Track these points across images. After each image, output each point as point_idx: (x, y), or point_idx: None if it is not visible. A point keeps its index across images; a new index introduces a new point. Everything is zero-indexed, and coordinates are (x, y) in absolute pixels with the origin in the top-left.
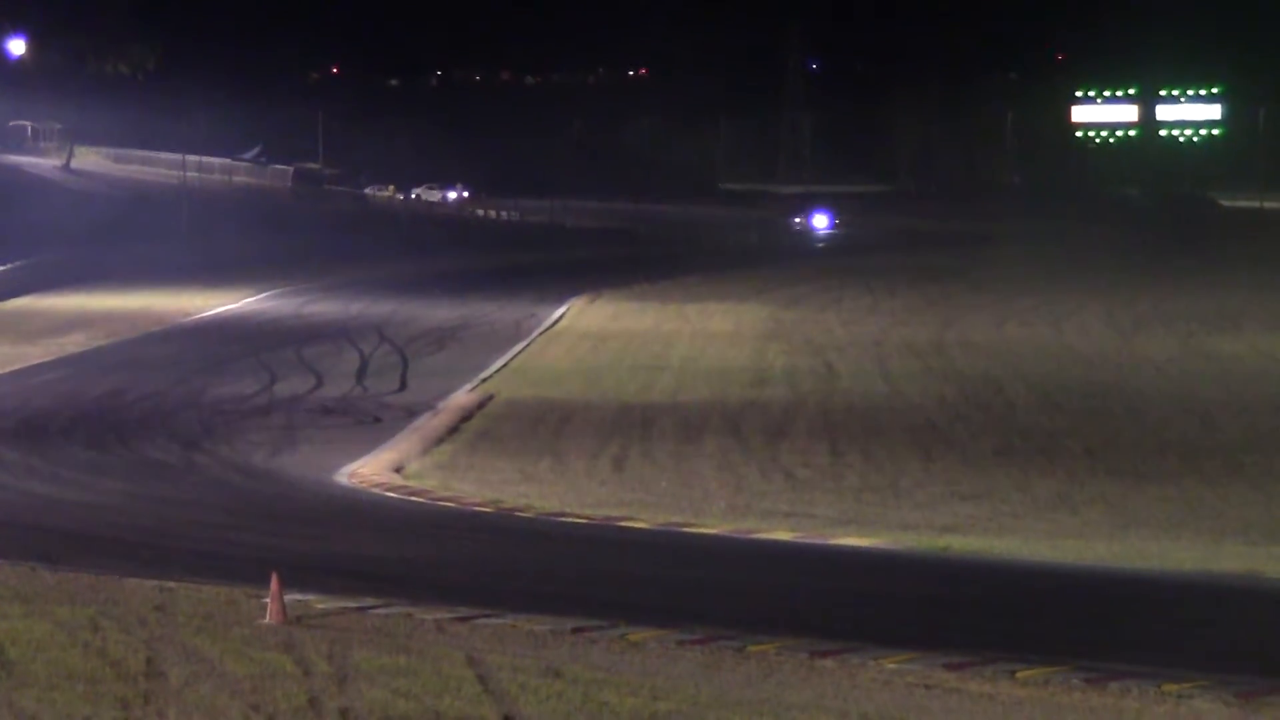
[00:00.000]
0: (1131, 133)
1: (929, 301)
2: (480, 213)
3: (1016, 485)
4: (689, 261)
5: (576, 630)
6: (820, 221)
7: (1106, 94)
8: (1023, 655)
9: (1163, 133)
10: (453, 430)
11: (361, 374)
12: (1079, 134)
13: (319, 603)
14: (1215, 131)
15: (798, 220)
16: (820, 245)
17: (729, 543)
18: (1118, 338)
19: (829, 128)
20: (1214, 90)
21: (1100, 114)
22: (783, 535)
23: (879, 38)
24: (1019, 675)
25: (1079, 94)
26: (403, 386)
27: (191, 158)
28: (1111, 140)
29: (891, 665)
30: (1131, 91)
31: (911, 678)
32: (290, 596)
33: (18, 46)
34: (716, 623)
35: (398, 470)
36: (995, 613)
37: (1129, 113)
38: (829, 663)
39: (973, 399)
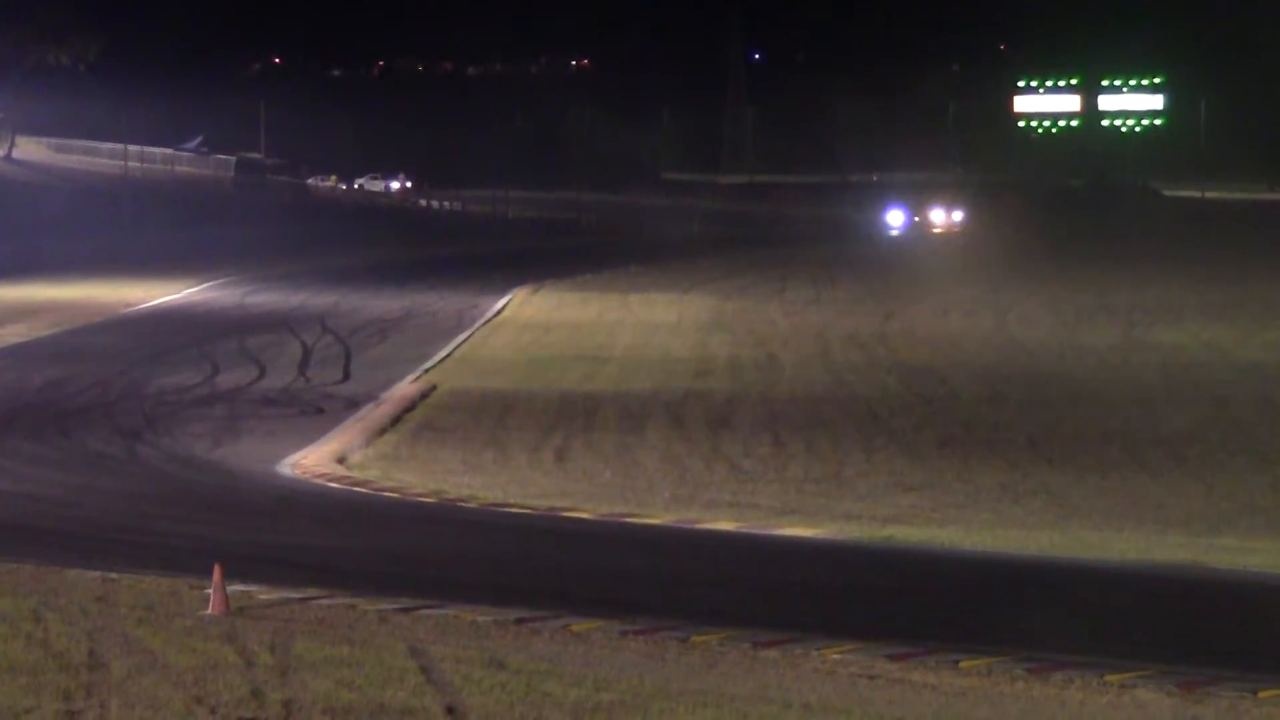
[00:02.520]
0: (1074, 123)
1: (871, 292)
2: (423, 203)
3: (959, 475)
4: (631, 252)
5: (520, 621)
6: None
7: (1049, 84)
8: (966, 645)
9: (1105, 123)
10: (396, 421)
11: (304, 365)
12: (1021, 124)
13: (262, 594)
14: (1158, 122)
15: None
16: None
17: (672, 533)
18: (1060, 328)
19: (771, 118)
20: (1156, 80)
21: (1042, 104)
22: (726, 525)
23: (821, 29)
24: (962, 665)
25: (1021, 84)
26: (346, 377)
27: (133, 148)
28: (1054, 130)
29: (835, 655)
30: (1074, 81)
31: (855, 668)
32: (233, 587)
33: None
34: (660, 613)
35: (341, 461)
36: (938, 603)
37: (1071, 103)
38: (772, 653)
39: (916, 389)
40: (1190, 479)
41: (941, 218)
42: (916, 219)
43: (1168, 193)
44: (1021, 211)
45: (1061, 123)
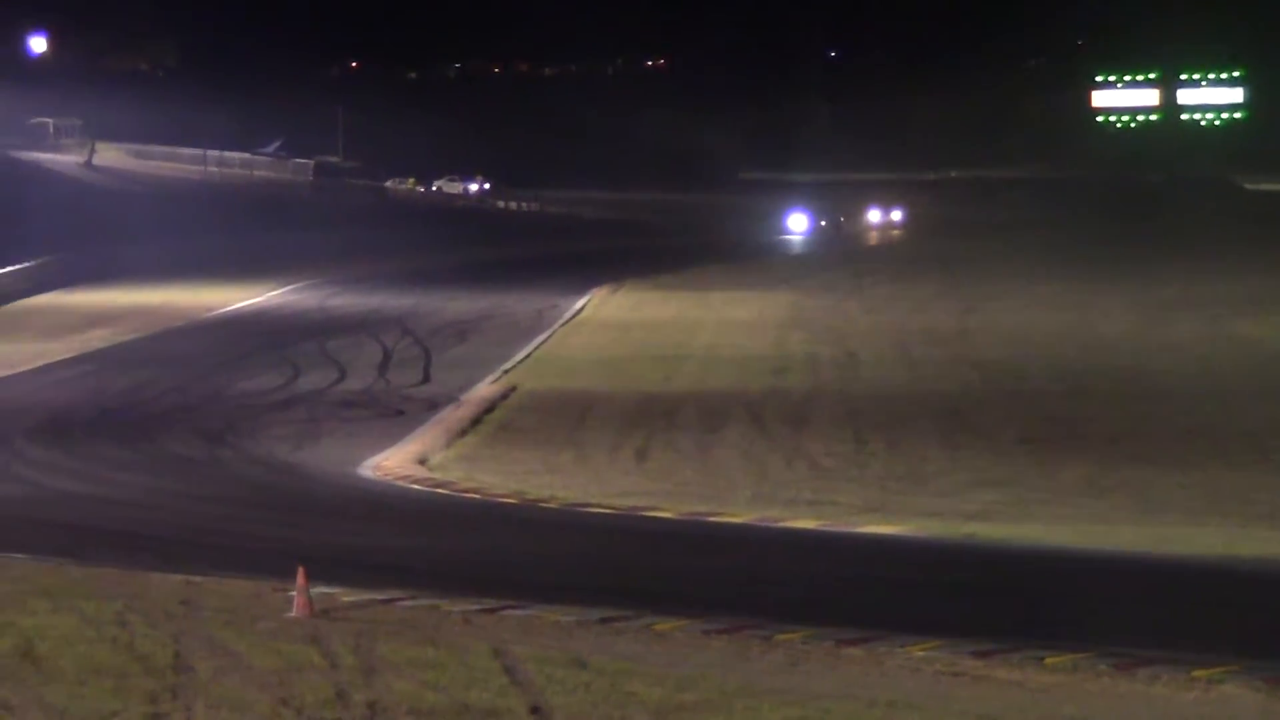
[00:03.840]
0: (1153, 117)
1: (951, 288)
2: (500, 204)
3: (1041, 471)
4: (708, 251)
5: (603, 620)
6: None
7: (1127, 79)
8: (1050, 641)
9: (1184, 116)
10: (476, 422)
11: (384, 367)
12: (1100, 119)
13: (345, 595)
14: (1237, 115)
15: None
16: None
17: (754, 531)
18: (1142, 322)
19: (848, 116)
20: (1236, 74)
21: (1121, 98)
22: (807, 523)
23: (898, 25)
24: (1047, 661)
25: (1099, 79)
26: (425, 379)
27: (212, 152)
28: (1133, 125)
29: (918, 653)
30: (1153, 76)
31: (939, 665)
32: (316, 589)
33: (39, 44)
34: (742, 612)
35: (421, 462)
36: (1021, 599)
37: (1150, 97)
38: (855, 651)
39: (996, 385)
40: (1274, 473)
41: (878, 217)
42: (823, 222)
43: (1248, 186)
44: (1098, 206)
45: (1140, 117)
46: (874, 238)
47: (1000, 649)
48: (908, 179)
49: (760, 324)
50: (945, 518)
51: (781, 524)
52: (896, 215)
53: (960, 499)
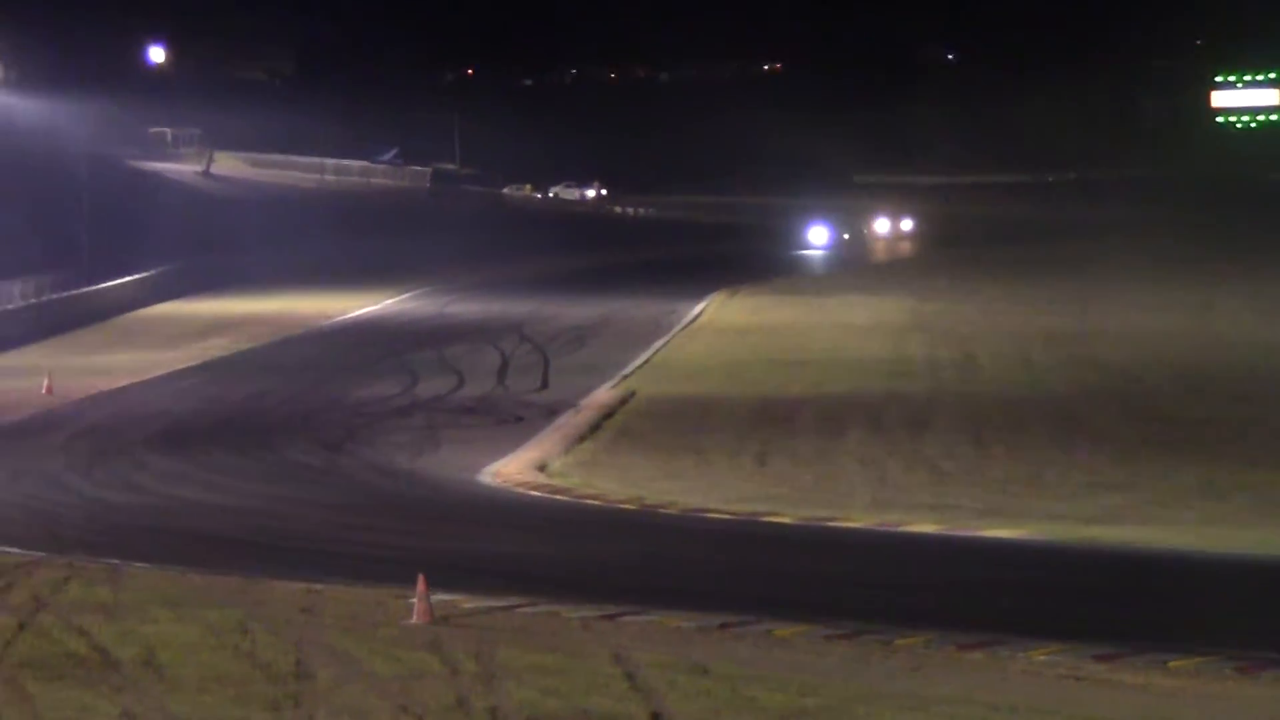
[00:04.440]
0: (1273, 117)
1: (1069, 290)
2: (617, 210)
3: (1161, 474)
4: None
5: (723, 626)
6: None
7: (1247, 78)
8: (1173, 645)
9: None
10: (595, 428)
11: (503, 373)
12: (1219, 119)
13: (465, 602)
14: None
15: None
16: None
17: (874, 536)
18: (1261, 324)
19: (962, 118)
20: None
21: (1241, 98)
22: (927, 528)
23: (1015, 27)
24: (1170, 665)
25: (1219, 79)
26: (544, 385)
27: (329, 160)
28: (1253, 125)
29: (1040, 657)
30: (1273, 75)
31: (1061, 669)
32: (436, 596)
33: (157, 54)
34: (863, 617)
35: (541, 469)
36: (1143, 603)
37: (1270, 97)
38: (977, 655)
39: (1116, 388)
40: None
41: (886, 227)
42: (846, 235)
43: None
44: (1216, 207)
45: (1261, 117)
46: (881, 249)
47: (1123, 653)
48: (1021, 181)
49: (878, 328)
50: (1066, 521)
51: (901, 528)
52: (906, 225)
53: (1081, 502)
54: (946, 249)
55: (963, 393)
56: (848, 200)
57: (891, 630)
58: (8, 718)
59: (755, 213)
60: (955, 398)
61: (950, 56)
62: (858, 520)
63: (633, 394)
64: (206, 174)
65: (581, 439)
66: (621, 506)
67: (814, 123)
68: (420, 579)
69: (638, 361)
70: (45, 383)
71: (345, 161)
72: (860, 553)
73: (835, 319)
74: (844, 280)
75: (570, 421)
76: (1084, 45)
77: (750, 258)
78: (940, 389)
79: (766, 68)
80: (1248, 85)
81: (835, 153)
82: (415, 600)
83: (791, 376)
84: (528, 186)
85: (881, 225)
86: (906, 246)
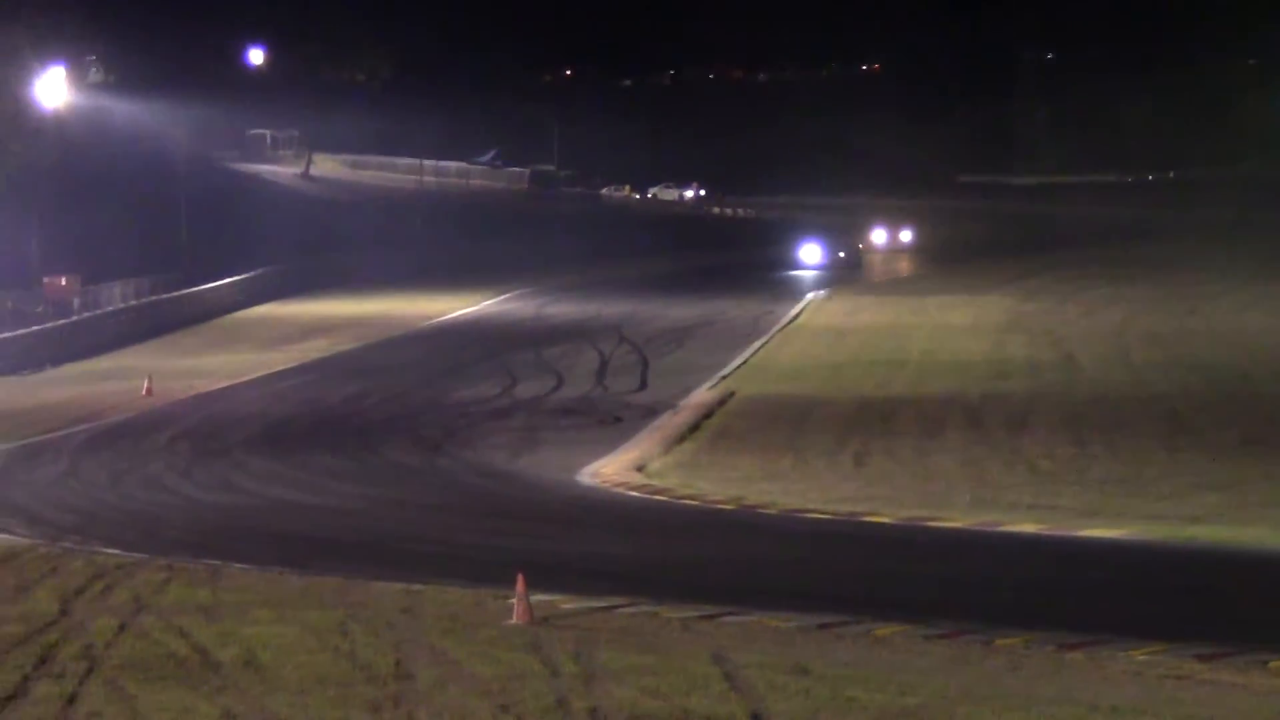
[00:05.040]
0: None
1: (1170, 290)
2: (716, 210)
3: (1264, 474)
4: (924, 255)
5: (822, 626)
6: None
7: None
8: (1274, 645)
9: None
10: (693, 428)
11: (601, 374)
12: None
13: (564, 602)
14: None
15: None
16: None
17: (973, 536)
18: None
19: (1064, 117)
20: None
21: None
22: (1027, 528)
23: (1115, 25)
24: (1271, 665)
25: None
26: (643, 385)
27: (428, 162)
28: None
29: (1141, 657)
30: None
31: (1162, 669)
32: (536, 597)
33: (257, 56)
34: (962, 617)
35: (639, 469)
36: (1245, 603)
37: None
38: (1077, 655)
39: (1218, 388)
40: None
41: (883, 239)
42: (841, 253)
43: None
44: None
45: None
46: (878, 263)
47: (1224, 652)
48: (1121, 180)
49: (977, 328)
50: (1167, 521)
51: (1001, 528)
52: (906, 236)
53: (1182, 502)
54: (1044, 250)
55: (1062, 393)
56: (942, 200)
57: (991, 630)
58: (109, 717)
59: (854, 213)
60: (1055, 398)
61: (1050, 56)
62: (957, 520)
63: (731, 394)
64: (305, 176)
65: (680, 439)
66: (720, 507)
67: (913, 123)
68: (520, 579)
69: (736, 362)
70: (145, 384)
71: (444, 163)
72: (959, 553)
73: (934, 320)
74: (943, 281)
75: (669, 422)
76: (1185, 43)
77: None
78: (1040, 389)
79: (865, 68)
80: None
81: (935, 154)
82: (515, 601)
83: (890, 377)
84: (626, 187)
85: (879, 237)
86: (905, 263)
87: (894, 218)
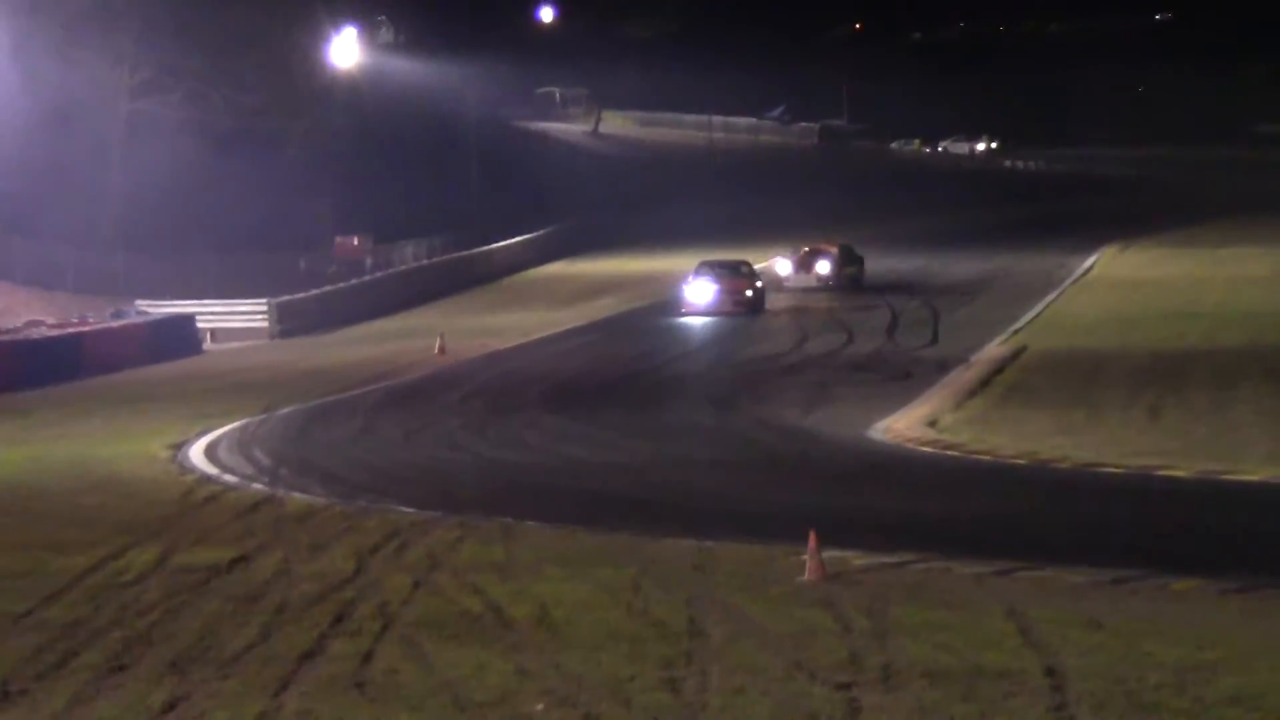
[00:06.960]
0: None
1: None
2: (1007, 164)
3: None
4: (1219, 208)
5: (1116, 581)
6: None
7: None
8: None
9: None
10: (985, 383)
11: (893, 329)
12: None
13: (856, 559)
14: None
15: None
16: None
17: (1270, 489)
18: None
19: None
20: None
21: None
22: None
23: None
24: None
25: None
26: (934, 340)
27: (717, 118)
28: None
29: None
30: None
31: None
32: (828, 553)
33: (546, 13)
34: (1260, 570)
35: (931, 424)
36: None
37: None
38: None
39: None
40: None
41: (788, 270)
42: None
43: None
44: None
45: None
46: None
47: None
48: None
49: (1276, 279)
50: None
51: None
52: (823, 268)
53: None
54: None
55: None
56: (1237, 151)
57: None
58: (405, 674)
59: (1149, 165)
60: None
61: None
62: (1254, 473)
63: (1024, 349)
64: (595, 133)
65: (972, 394)
66: (1013, 462)
67: (1207, 73)
68: (812, 536)
69: (1028, 316)
70: (438, 343)
71: (733, 119)
72: (1256, 506)
73: (1230, 272)
74: (1235, 233)
75: (960, 377)
76: None
77: (1144, 210)
78: None
79: (1158, 17)
80: None
81: (1235, 103)
82: (807, 557)
83: (1184, 329)
84: (916, 141)
85: (783, 267)
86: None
87: (1183, 172)
